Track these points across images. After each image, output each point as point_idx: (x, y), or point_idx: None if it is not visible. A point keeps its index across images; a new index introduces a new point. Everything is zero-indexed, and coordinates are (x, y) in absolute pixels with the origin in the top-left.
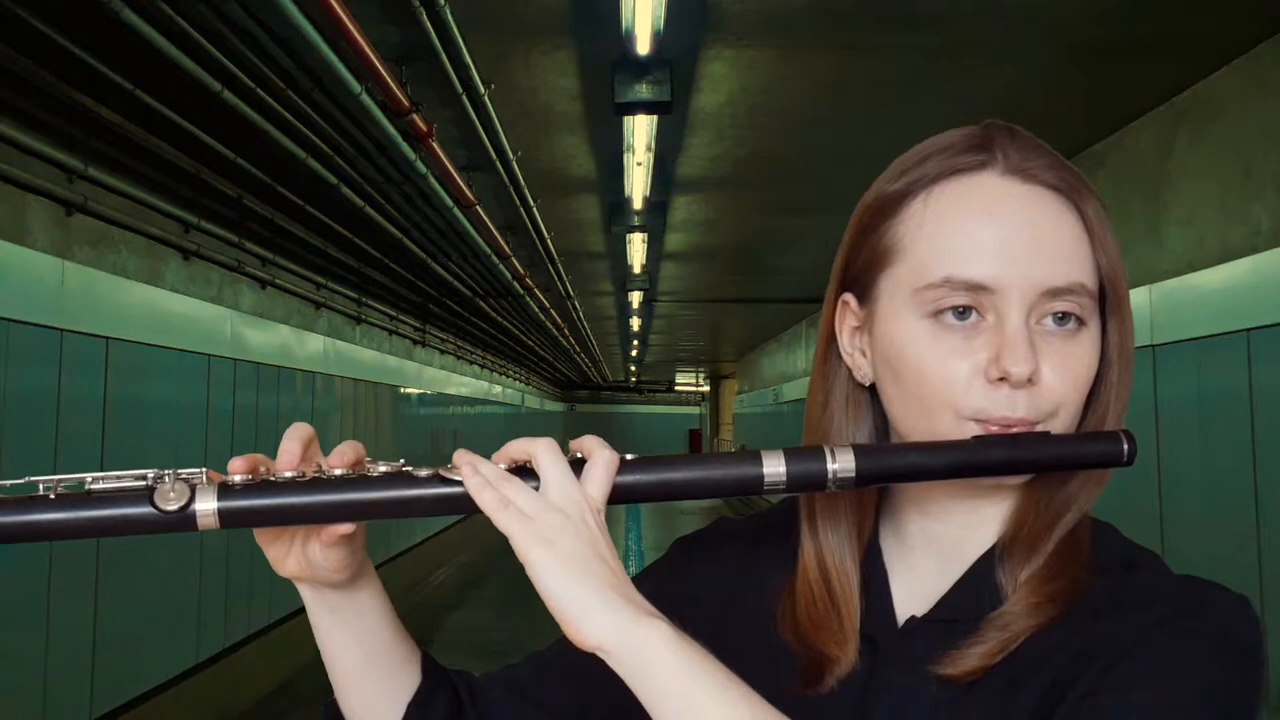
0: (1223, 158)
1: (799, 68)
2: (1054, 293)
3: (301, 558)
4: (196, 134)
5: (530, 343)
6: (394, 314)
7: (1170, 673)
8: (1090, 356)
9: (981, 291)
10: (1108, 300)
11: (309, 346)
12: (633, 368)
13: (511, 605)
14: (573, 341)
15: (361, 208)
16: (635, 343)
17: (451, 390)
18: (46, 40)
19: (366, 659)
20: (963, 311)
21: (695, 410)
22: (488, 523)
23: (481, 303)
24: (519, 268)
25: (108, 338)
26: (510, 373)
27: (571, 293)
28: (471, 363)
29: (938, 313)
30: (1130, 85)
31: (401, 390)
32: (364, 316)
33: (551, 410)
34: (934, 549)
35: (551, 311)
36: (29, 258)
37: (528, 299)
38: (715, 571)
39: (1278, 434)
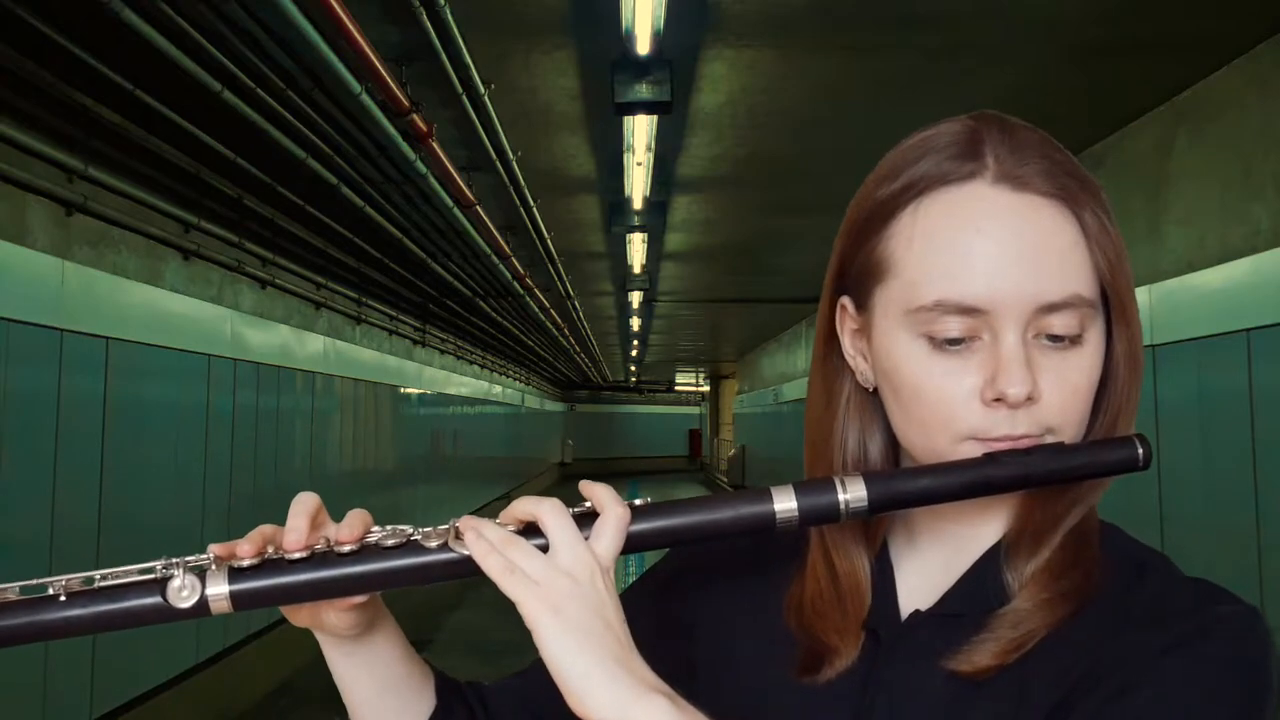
0: (1223, 158)
1: (799, 68)
2: (1049, 308)
3: (315, 616)
4: (196, 134)
5: (530, 343)
6: (394, 314)
7: (1180, 698)
8: (1091, 366)
9: (975, 313)
10: (1110, 303)
11: (309, 346)
12: (633, 368)
13: (511, 605)
14: (573, 341)
15: (361, 208)
16: (635, 343)
17: (451, 390)
18: (46, 40)
19: (381, 691)
20: (956, 336)
21: (695, 410)
22: None
23: (481, 303)
24: (519, 268)
25: (108, 338)
26: (510, 373)
27: (571, 293)
28: (471, 363)
29: (931, 334)
30: (1130, 85)
31: (401, 390)
32: (364, 316)
33: (551, 410)
34: (942, 545)
35: (551, 311)
36: (29, 258)
37: (528, 299)
38: (717, 570)
39: (1278, 434)
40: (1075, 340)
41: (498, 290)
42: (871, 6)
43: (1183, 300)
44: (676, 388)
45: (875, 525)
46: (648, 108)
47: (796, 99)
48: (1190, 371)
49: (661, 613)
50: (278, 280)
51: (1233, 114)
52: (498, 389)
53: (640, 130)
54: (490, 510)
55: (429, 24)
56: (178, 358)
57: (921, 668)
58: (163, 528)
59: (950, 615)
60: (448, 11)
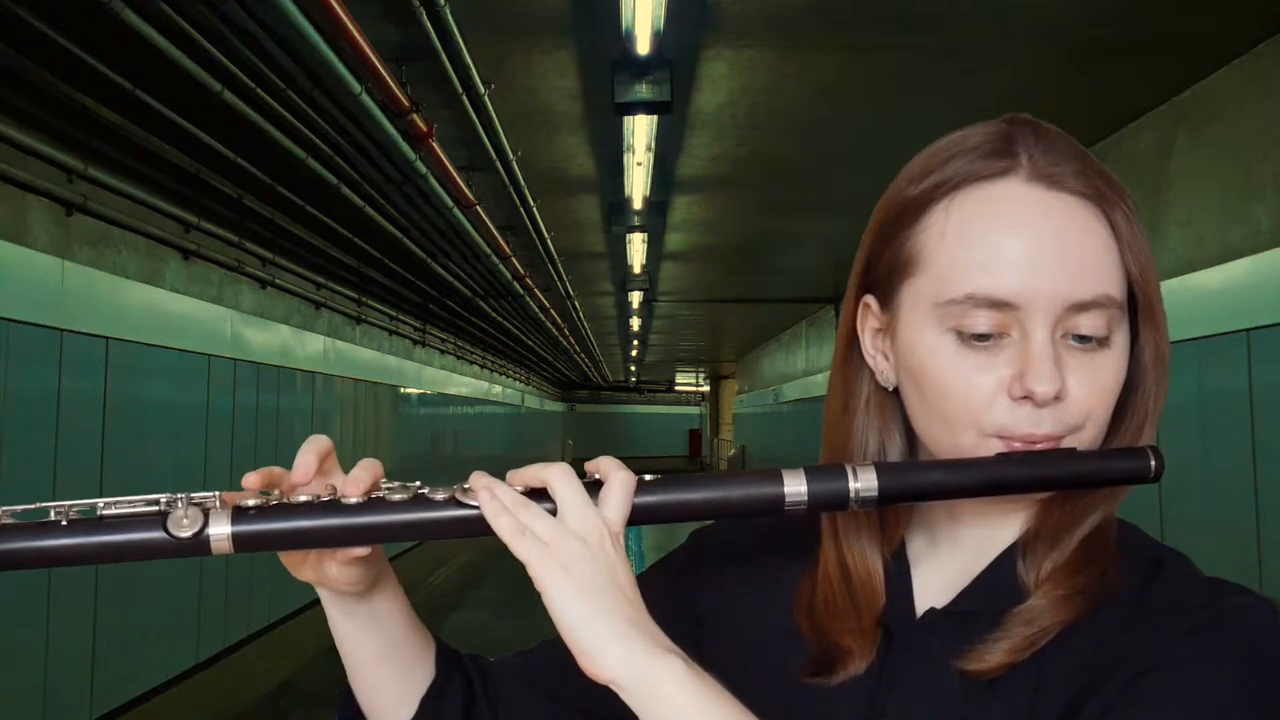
0: (1223, 158)
1: (799, 68)
2: (1080, 306)
3: (318, 569)
4: (196, 134)
5: (530, 343)
6: (394, 314)
7: (1197, 689)
8: (1118, 367)
9: (1005, 308)
10: (1139, 306)
11: (309, 346)
12: (633, 368)
13: (511, 605)
14: (573, 341)
15: (361, 208)
16: (635, 343)
17: (451, 390)
18: (46, 40)
19: (380, 656)
20: (986, 330)
21: (695, 410)
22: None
23: (481, 303)
24: (519, 268)
25: (108, 338)
26: (510, 373)
27: (571, 293)
28: (471, 363)
29: (960, 328)
30: (1130, 85)
31: (401, 390)
32: (364, 316)
33: (551, 410)
34: (960, 548)
35: (551, 311)
36: (29, 258)
37: (528, 299)
38: (731, 562)
39: (1278, 434)
40: (1103, 342)
41: (498, 290)
42: (871, 6)
43: (1183, 300)
44: (676, 388)
45: (891, 526)
46: (648, 108)
47: (796, 99)
48: (1190, 371)
49: (673, 602)
50: (278, 280)
51: (1233, 114)
52: (498, 389)
53: (640, 130)
54: None
55: (429, 24)
56: (178, 358)
57: (934, 666)
58: None
59: (965, 613)
60: (448, 11)
